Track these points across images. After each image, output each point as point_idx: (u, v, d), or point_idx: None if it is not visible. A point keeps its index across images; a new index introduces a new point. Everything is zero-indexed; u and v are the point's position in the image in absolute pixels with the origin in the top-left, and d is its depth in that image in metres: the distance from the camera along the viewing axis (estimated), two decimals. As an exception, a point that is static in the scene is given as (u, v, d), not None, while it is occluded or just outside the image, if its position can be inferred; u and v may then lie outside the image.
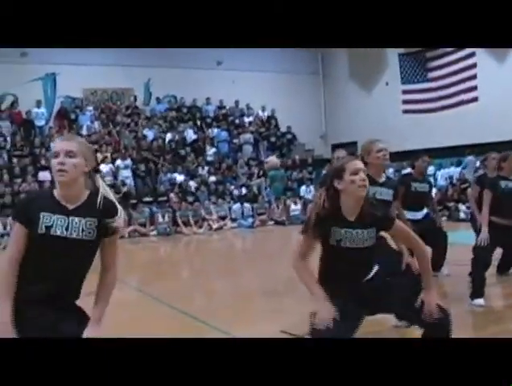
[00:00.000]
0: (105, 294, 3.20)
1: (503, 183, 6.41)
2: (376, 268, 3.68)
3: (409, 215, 7.73)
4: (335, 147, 24.12)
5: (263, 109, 23.94)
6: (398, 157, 20.96)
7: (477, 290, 6.37)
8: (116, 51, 19.65)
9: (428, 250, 7.26)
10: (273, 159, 20.18)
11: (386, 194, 5.27)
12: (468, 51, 19.14)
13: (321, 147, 24.60)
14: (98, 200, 3.09)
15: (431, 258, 8.06)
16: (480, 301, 6.31)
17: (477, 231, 6.68)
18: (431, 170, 20.20)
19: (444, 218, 16.28)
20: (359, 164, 3.55)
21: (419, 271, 3.69)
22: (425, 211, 7.93)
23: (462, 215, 16.32)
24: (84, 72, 20.89)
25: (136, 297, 7.75)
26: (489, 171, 7.74)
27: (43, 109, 21.02)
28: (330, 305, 3.40)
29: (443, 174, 19.77)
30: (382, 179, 5.31)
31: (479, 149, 17.75)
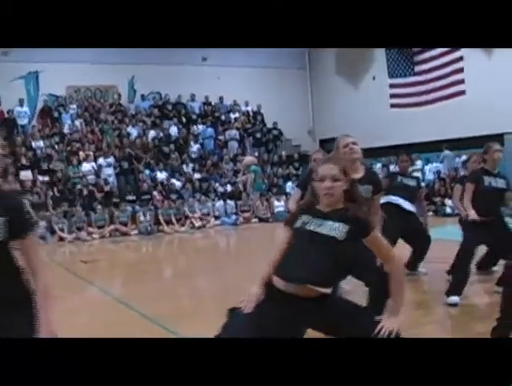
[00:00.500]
0: (40, 301, 2.97)
1: (487, 179, 6.21)
2: (329, 291, 3.34)
3: (403, 204, 7.58)
4: (323, 142, 24.05)
5: (246, 104, 23.71)
6: (385, 151, 20.93)
7: (456, 287, 6.18)
8: (100, 49, 19.36)
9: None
10: (248, 157, 20.05)
11: (363, 190, 5.02)
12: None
13: (309, 142, 24.40)
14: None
15: (412, 257, 7.93)
16: (455, 298, 6.12)
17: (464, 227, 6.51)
18: (418, 164, 20.06)
19: (431, 213, 16.15)
20: (327, 170, 3.36)
21: (390, 289, 3.43)
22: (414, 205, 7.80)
23: (448, 210, 16.16)
24: (67, 70, 20.67)
25: (102, 300, 7.54)
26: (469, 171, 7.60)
27: (25, 108, 20.73)
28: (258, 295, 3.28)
29: (432, 169, 19.59)
30: (359, 175, 4.99)
31: (466, 142, 17.65)
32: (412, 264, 7.89)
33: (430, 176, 19.48)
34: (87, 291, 8.16)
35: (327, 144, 23.78)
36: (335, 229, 3.27)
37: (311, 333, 3.42)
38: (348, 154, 4.99)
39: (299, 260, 3.26)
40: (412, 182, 7.77)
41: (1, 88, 20.05)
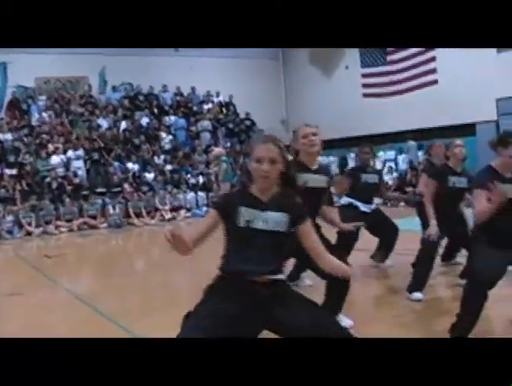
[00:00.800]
0: None
1: (451, 179, 6.01)
2: (284, 277, 3.28)
3: (362, 207, 7.54)
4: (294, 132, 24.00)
5: (218, 95, 23.54)
6: (358, 142, 20.88)
7: (418, 283, 6.09)
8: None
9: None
10: (217, 149, 19.96)
11: (319, 181, 4.90)
12: None
13: (281, 133, 24.30)
14: None
15: (379, 248, 7.88)
16: (418, 295, 6.03)
17: (424, 221, 6.42)
18: (390, 154, 20.08)
19: (402, 203, 16.11)
20: (264, 152, 3.19)
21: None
22: (373, 205, 7.75)
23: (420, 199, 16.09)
24: (36, 61, 20.26)
25: (63, 297, 7.39)
26: (434, 159, 7.50)
27: (-8, 100, 20.44)
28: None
29: (405, 159, 19.57)
30: (315, 166, 4.90)
31: (439, 132, 17.65)
32: (380, 256, 7.84)
33: (403, 166, 19.46)
34: (48, 288, 7.98)
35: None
36: (278, 222, 3.18)
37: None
38: (307, 146, 4.80)
39: (248, 256, 3.16)
40: (374, 179, 7.70)
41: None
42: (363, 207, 7.52)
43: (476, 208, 4.50)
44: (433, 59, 19.10)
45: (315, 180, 4.85)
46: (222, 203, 3.32)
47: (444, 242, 6.87)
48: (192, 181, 19.21)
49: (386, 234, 7.74)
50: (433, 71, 19.13)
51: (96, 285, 8.22)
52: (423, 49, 19.14)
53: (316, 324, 3.09)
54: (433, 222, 5.81)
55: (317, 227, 4.73)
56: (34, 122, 19.93)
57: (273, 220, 3.18)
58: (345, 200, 7.51)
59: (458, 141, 6.11)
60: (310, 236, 3.28)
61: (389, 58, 20.58)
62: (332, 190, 5.49)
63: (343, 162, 21.08)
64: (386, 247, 7.81)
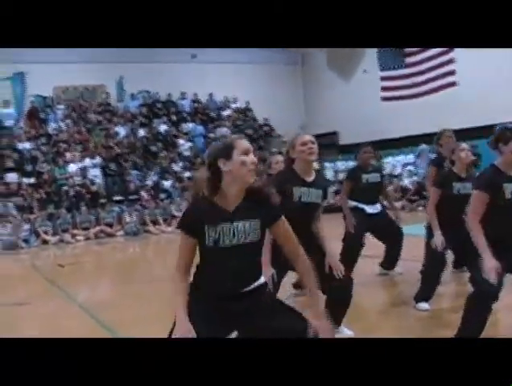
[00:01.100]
0: None
1: (456, 186, 5.71)
2: (262, 279, 3.17)
3: (367, 209, 7.41)
4: (316, 138, 23.90)
5: (235, 101, 23.52)
6: (377, 146, 20.71)
7: (425, 293, 5.92)
8: (87, 48, 19.23)
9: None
10: None
11: (315, 195, 4.67)
12: None
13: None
14: None
15: (386, 255, 7.72)
16: (425, 305, 5.85)
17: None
18: (410, 158, 19.87)
19: (421, 208, 15.93)
20: (249, 144, 3.04)
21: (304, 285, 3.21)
22: (379, 205, 7.60)
23: None
24: (54, 70, 20.51)
25: (70, 308, 7.34)
26: (443, 150, 7.08)
27: (11, 109, 20.60)
28: (188, 326, 2.95)
29: (421, 163, 19.32)
30: (311, 178, 4.67)
31: (459, 134, 17.40)
32: (387, 263, 7.69)
33: (422, 169, 19.22)
34: (57, 297, 7.95)
35: (318, 139, 23.73)
36: (249, 234, 3.02)
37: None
38: (305, 154, 4.58)
39: (221, 277, 3.05)
40: (376, 178, 7.55)
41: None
42: (369, 209, 7.41)
43: (469, 211, 4.39)
44: (452, 61, 18.88)
45: (311, 194, 4.64)
46: (187, 222, 3.06)
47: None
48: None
49: (391, 240, 7.57)
50: (452, 73, 18.89)
51: (108, 294, 8.20)
52: (442, 51, 18.96)
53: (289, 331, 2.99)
54: (437, 232, 5.60)
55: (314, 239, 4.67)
56: (51, 131, 20.06)
57: (243, 232, 3.01)
58: (351, 204, 7.40)
59: (464, 145, 5.82)
60: (285, 235, 3.12)
61: (407, 60, 20.39)
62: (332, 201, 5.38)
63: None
64: (391, 254, 7.64)
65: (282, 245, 3.14)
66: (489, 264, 4.01)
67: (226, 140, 3.07)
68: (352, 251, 7.12)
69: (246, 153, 2.99)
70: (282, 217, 3.10)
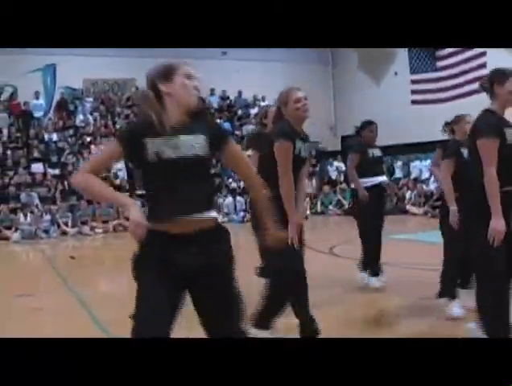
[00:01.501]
0: None
1: (464, 152, 5.28)
2: (215, 214, 2.92)
3: (380, 179, 7.23)
4: (344, 139, 23.81)
5: (263, 99, 23.52)
6: (406, 149, 20.58)
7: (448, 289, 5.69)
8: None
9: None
10: None
11: (308, 150, 4.64)
12: None
13: (329, 139, 24.20)
14: None
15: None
16: (457, 310, 5.56)
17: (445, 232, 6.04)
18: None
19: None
20: (193, 70, 2.93)
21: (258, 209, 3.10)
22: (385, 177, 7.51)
23: None
24: (85, 63, 20.70)
25: (69, 301, 7.42)
26: (459, 136, 6.65)
27: (41, 101, 20.91)
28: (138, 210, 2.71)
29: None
30: (303, 134, 4.62)
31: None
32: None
33: None
34: (61, 290, 8.05)
35: (347, 140, 23.65)
36: (194, 145, 2.83)
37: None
38: (300, 111, 4.50)
39: (168, 196, 2.81)
40: (379, 153, 7.39)
41: (18, 80, 20.34)
42: (381, 178, 7.26)
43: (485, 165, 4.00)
44: (484, 65, 18.60)
45: (306, 149, 4.59)
46: (126, 134, 2.91)
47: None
48: (233, 185, 19.20)
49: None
50: (483, 77, 18.60)
51: (109, 289, 8.26)
52: (474, 55, 18.74)
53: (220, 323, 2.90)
54: (453, 208, 5.32)
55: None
56: (78, 123, 20.32)
57: (187, 144, 2.82)
58: (368, 180, 7.15)
59: (468, 118, 5.60)
60: (236, 156, 3.02)
61: (439, 64, 20.20)
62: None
63: (390, 171, 20.80)
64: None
65: (234, 169, 3.08)
66: (497, 225, 3.89)
67: (168, 62, 2.94)
68: (373, 230, 6.99)
69: (189, 77, 2.89)
70: (231, 138, 3.00)
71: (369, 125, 7.43)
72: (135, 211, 2.67)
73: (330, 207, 18.30)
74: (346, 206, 17.72)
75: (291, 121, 4.53)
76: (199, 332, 2.90)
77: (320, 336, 4.50)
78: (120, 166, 18.52)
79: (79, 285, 8.33)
